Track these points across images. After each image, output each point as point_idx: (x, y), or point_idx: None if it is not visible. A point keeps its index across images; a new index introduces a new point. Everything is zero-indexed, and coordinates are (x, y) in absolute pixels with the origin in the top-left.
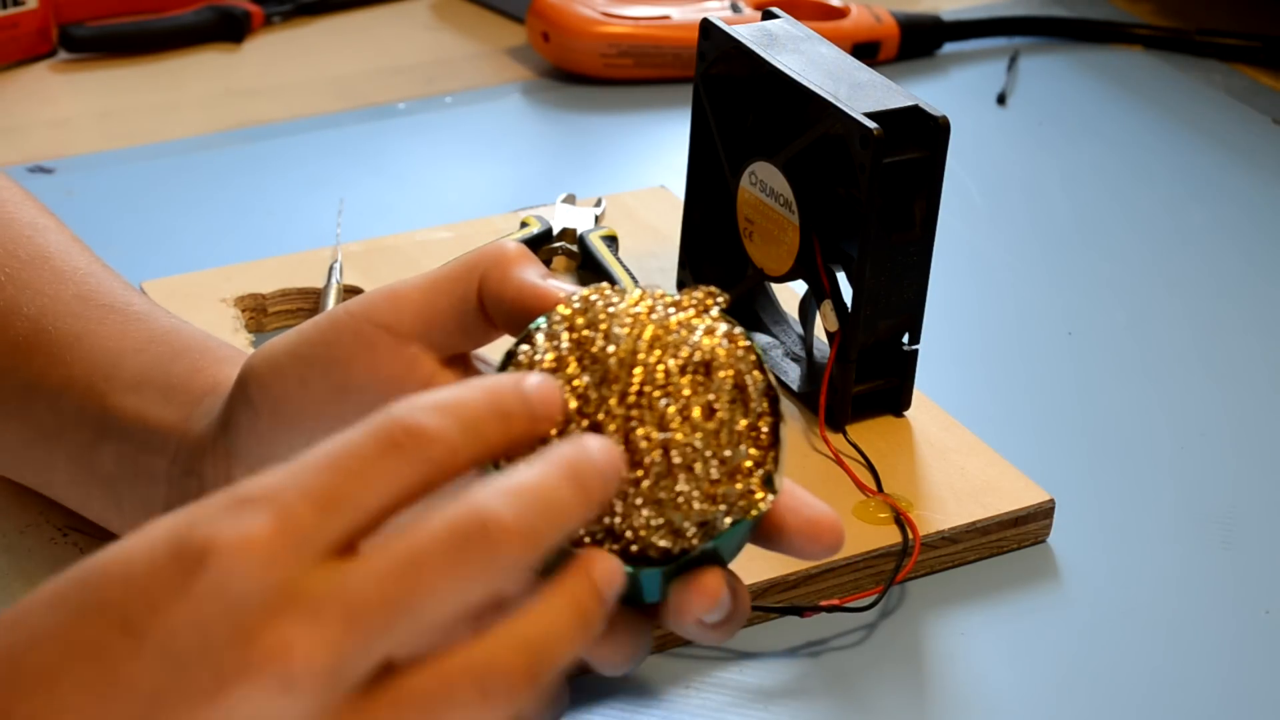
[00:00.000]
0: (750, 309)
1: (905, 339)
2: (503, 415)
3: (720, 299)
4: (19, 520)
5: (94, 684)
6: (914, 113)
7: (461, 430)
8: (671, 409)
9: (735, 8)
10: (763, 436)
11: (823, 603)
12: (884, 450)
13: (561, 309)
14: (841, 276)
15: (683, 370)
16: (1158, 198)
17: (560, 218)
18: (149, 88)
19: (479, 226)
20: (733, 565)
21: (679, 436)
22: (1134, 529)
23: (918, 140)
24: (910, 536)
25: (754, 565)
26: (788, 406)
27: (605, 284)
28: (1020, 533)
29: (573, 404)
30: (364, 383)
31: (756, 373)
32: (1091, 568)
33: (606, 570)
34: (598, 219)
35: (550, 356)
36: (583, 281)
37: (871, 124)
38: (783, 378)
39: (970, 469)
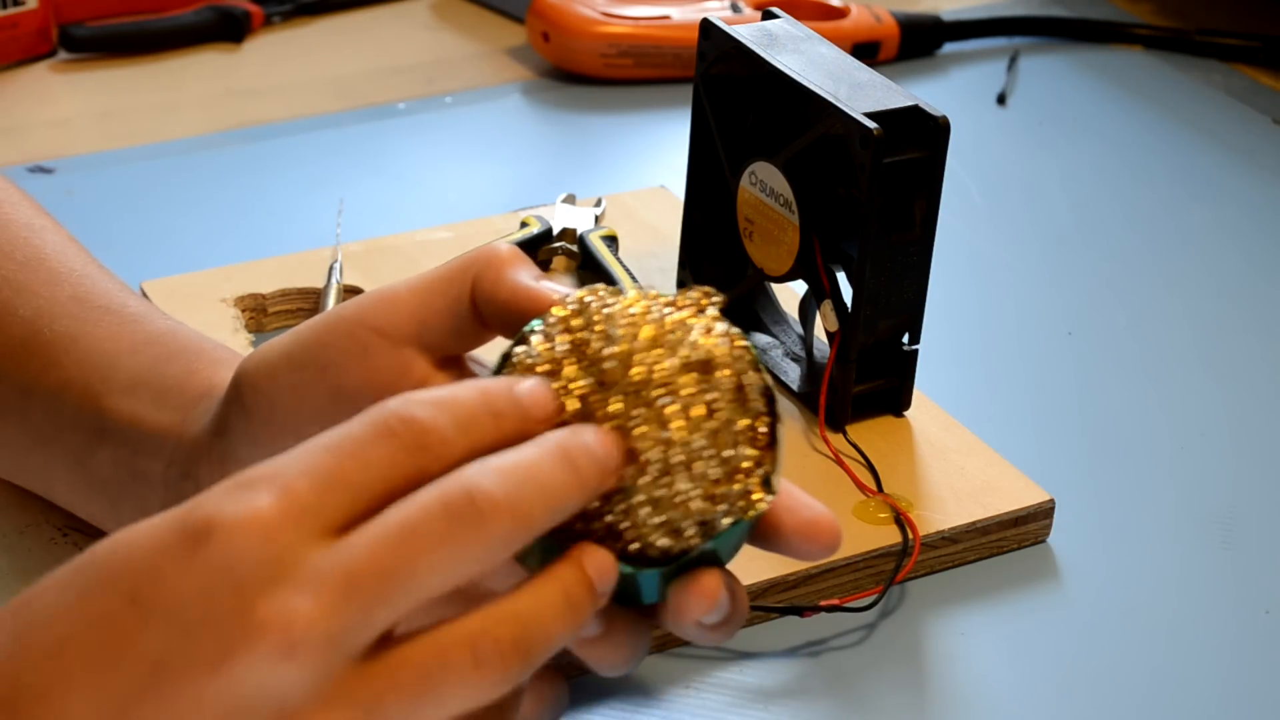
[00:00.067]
0: (750, 309)
1: (905, 339)
2: (495, 414)
3: (716, 299)
4: (19, 520)
5: (101, 652)
6: (914, 113)
7: (454, 424)
8: (672, 408)
9: (735, 8)
10: (761, 437)
11: (823, 603)
12: (884, 450)
13: (557, 310)
14: (841, 276)
15: (682, 369)
16: (1158, 198)
17: (560, 218)
18: (149, 88)
19: (479, 226)
20: (733, 566)
21: (679, 435)
22: (1134, 529)
23: (918, 140)
24: (910, 536)
25: (753, 565)
26: (785, 406)
27: (600, 285)
28: (1020, 533)
29: (572, 405)
30: (358, 386)
31: (754, 373)
32: (1091, 568)
33: (599, 562)
34: (598, 219)
35: (547, 358)
36: (583, 281)
37: (871, 124)
38: (783, 378)
39: (970, 469)
